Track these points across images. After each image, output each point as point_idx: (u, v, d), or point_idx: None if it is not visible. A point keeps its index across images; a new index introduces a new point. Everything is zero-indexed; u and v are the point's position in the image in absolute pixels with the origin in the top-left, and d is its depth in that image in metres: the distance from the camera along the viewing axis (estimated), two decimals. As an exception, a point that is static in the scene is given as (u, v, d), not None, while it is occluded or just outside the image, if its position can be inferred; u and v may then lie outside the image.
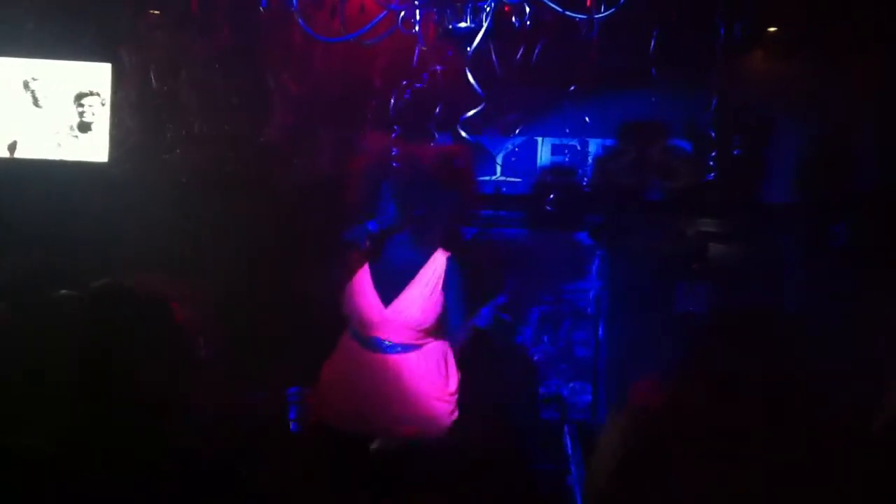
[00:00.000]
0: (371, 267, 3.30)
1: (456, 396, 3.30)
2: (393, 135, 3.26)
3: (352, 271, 3.32)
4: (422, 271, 3.28)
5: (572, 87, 3.46)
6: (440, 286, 3.27)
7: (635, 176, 4.45)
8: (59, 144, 4.04)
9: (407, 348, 3.27)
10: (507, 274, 4.72)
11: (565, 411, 4.43)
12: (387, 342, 3.26)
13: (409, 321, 3.25)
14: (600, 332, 4.56)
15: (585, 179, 4.62)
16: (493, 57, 3.18)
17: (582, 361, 4.65)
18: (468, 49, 2.27)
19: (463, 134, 2.52)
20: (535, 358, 4.64)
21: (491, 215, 4.74)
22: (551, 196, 4.30)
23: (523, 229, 4.71)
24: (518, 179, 4.70)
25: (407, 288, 3.25)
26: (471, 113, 2.47)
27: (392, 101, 3.09)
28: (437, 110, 3.18)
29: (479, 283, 3.48)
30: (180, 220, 3.93)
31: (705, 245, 4.38)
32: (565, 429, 4.10)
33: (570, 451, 4.03)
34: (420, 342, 3.29)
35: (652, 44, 3.75)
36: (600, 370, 4.52)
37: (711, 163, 4.34)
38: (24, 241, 3.67)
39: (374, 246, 3.29)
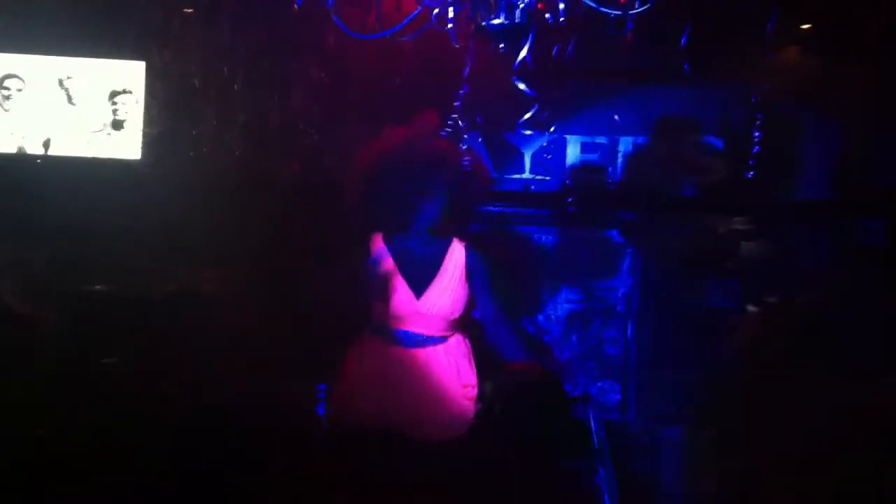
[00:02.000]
0: (396, 260, 3.31)
1: (476, 391, 3.29)
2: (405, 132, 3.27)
3: (373, 267, 3.33)
4: (445, 261, 3.30)
5: (604, 84, 3.45)
6: (463, 275, 3.30)
7: (666, 173, 4.42)
8: (93, 142, 4.07)
9: (436, 341, 3.28)
10: (536, 272, 4.71)
11: (588, 402, 4.41)
12: (417, 335, 3.27)
13: (441, 312, 3.26)
14: (630, 331, 4.53)
15: (616, 177, 4.60)
16: (527, 53, 3.17)
17: (611, 360, 4.63)
18: (501, 46, 2.27)
19: (527, 133, 2.51)
20: (564, 357, 4.63)
21: (519, 213, 4.74)
22: (575, 195, 4.30)
23: (553, 227, 4.70)
24: (547, 177, 4.69)
25: (436, 279, 3.27)
26: (528, 115, 2.48)
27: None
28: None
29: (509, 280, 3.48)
30: (212, 217, 3.95)
31: (737, 243, 4.35)
32: (593, 427, 4.09)
33: (598, 450, 4.02)
34: (447, 334, 3.32)
35: (684, 39, 3.73)
36: (631, 368, 4.50)
37: (744, 159, 4.32)
38: (58, 238, 3.72)
39: (396, 241, 3.32)
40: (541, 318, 4.77)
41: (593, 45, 3.86)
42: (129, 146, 4.09)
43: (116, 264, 3.67)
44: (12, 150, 4.04)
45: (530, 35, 2.35)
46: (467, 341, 3.40)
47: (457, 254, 3.33)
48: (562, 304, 4.75)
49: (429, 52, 3.17)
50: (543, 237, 4.75)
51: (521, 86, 2.34)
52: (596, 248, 4.64)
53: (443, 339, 3.31)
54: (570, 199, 4.52)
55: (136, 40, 4.08)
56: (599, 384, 4.60)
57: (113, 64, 4.08)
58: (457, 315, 3.29)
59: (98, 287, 3.26)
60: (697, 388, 3.82)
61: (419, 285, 3.27)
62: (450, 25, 2.36)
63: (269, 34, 3.98)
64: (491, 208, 4.75)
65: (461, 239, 3.37)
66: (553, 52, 3.25)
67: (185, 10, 4.11)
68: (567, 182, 4.63)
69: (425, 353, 3.27)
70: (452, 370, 3.28)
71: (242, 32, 4.01)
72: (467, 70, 2.83)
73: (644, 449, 4.17)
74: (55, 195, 3.80)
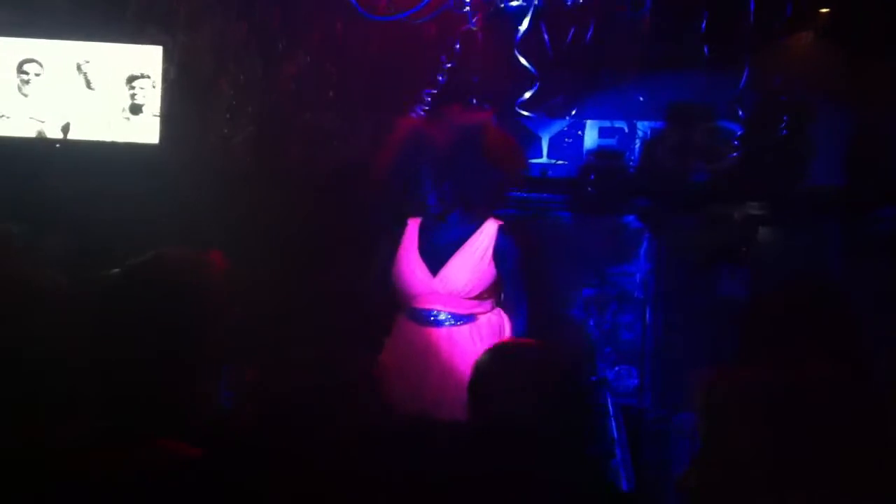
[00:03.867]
0: (420, 239, 3.30)
1: None
2: (426, 114, 3.26)
3: (399, 247, 3.32)
4: (471, 239, 3.25)
5: (621, 69, 3.43)
6: (490, 255, 3.25)
7: (684, 158, 4.40)
8: (111, 126, 4.09)
9: (459, 319, 3.25)
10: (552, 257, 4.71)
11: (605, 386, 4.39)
12: (437, 313, 3.25)
13: (456, 290, 3.22)
14: (648, 316, 4.52)
15: (633, 162, 4.58)
16: (545, 37, 3.17)
17: (627, 345, 4.62)
18: (518, 29, 2.26)
19: (525, 113, 2.50)
20: (580, 341, 4.63)
21: (536, 198, 4.73)
22: (593, 180, 4.28)
23: (569, 212, 4.69)
24: (564, 162, 4.68)
25: (454, 256, 3.23)
26: (527, 95, 2.46)
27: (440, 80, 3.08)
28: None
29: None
30: (231, 202, 3.96)
31: (753, 229, 4.33)
32: (611, 412, 4.09)
33: (615, 435, 4.02)
34: (474, 313, 3.28)
35: (703, 24, 3.72)
36: (647, 354, 4.49)
37: (760, 145, 4.30)
38: (77, 222, 3.74)
39: (426, 222, 3.30)
40: (560, 304, 4.77)
41: (611, 30, 3.85)
42: (147, 130, 4.10)
43: (135, 248, 3.67)
44: (32, 134, 4.06)
45: (540, 16, 2.33)
46: (503, 322, 3.34)
47: (486, 234, 3.27)
48: (578, 289, 4.74)
49: (442, 35, 3.16)
50: (560, 222, 4.75)
51: (523, 61, 2.32)
52: (613, 234, 4.63)
53: (469, 319, 3.27)
54: (587, 185, 4.51)
55: (152, 24, 4.09)
56: (616, 369, 4.60)
57: (130, 48, 4.09)
58: (475, 293, 3.25)
59: (115, 271, 3.26)
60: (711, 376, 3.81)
61: (437, 263, 3.24)
62: (466, 8, 2.35)
63: (286, 16, 3.98)
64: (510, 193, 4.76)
65: (496, 219, 3.32)
66: (570, 37, 3.24)
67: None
68: (583, 167, 4.62)
69: (448, 333, 3.25)
70: (477, 351, 3.24)
71: (259, 15, 4.01)
72: (480, 51, 2.82)
73: (660, 435, 4.17)
74: (74, 179, 3.82)
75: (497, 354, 1.89)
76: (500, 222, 3.30)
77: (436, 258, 3.25)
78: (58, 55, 4.06)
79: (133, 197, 3.84)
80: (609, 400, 4.13)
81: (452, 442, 1.87)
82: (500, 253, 3.25)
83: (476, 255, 3.25)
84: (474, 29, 2.55)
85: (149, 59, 4.08)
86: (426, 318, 3.27)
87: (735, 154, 4.33)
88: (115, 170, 3.93)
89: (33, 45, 4.06)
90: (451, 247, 3.25)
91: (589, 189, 4.49)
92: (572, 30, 3.22)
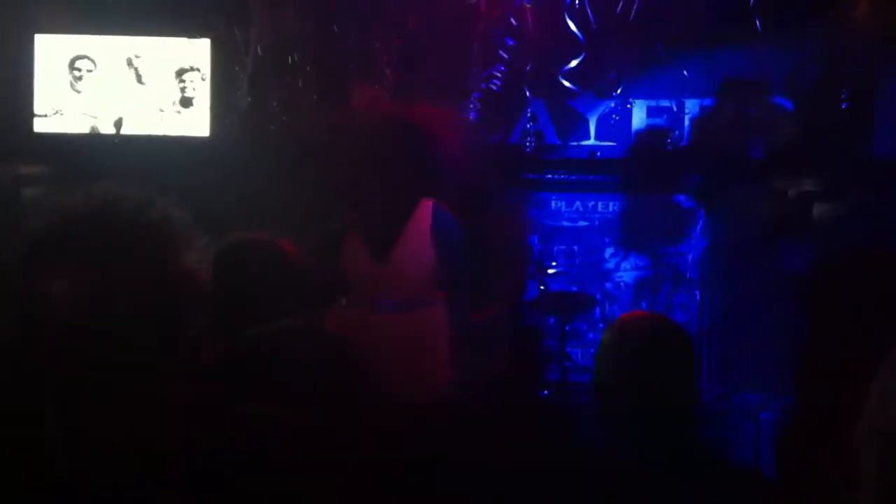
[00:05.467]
0: (361, 224, 3.12)
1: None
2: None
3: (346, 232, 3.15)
4: (409, 223, 3.06)
5: (669, 45, 3.37)
6: (430, 237, 3.05)
7: (735, 135, 4.34)
8: (163, 120, 4.13)
9: (411, 307, 3.05)
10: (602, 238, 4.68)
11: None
12: (387, 301, 3.05)
13: (404, 276, 3.04)
14: (704, 295, 4.47)
15: (683, 141, 4.53)
16: (589, 11, 3.12)
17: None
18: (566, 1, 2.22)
19: (566, 84, 2.45)
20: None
21: (585, 180, 4.70)
22: (642, 159, 4.22)
23: (620, 193, 4.66)
24: (613, 143, 4.64)
25: (397, 241, 3.04)
26: (573, 63, 2.41)
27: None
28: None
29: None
30: (281, 193, 3.97)
31: (810, 204, 4.26)
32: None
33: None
34: (426, 299, 3.07)
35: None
36: (702, 336, 4.44)
37: (815, 119, 4.22)
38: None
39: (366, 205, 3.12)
40: (609, 284, 4.74)
41: (660, 7, 3.79)
42: (197, 123, 4.14)
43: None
44: (85, 130, 4.11)
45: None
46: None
47: (423, 213, 3.07)
48: (630, 271, 4.71)
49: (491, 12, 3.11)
50: (610, 204, 4.72)
51: (572, 26, 2.26)
52: (664, 214, 4.59)
53: (421, 305, 3.06)
54: (637, 165, 4.48)
55: (200, 17, 4.11)
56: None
57: (179, 42, 4.12)
58: (424, 277, 3.05)
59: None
60: (774, 357, 3.76)
61: (381, 249, 3.05)
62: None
63: (334, 7, 3.98)
64: (554, 176, 4.74)
65: (430, 197, 3.10)
66: (619, 9, 3.19)
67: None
68: (632, 147, 4.58)
69: (399, 320, 3.03)
70: (432, 338, 3.05)
71: (306, 6, 4.02)
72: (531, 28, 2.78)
73: (719, 416, 4.12)
74: (127, 173, 3.85)
75: (623, 327, 1.87)
76: (432, 200, 3.09)
77: (379, 243, 3.06)
78: (109, 51, 4.11)
79: (185, 189, 3.86)
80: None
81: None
82: (436, 232, 3.05)
83: (418, 239, 3.05)
84: (528, 6, 2.52)
85: (197, 52, 4.12)
86: (375, 306, 3.06)
87: (789, 129, 4.27)
88: (168, 163, 3.96)
89: (84, 41, 4.11)
90: (391, 230, 3.06)
91: (639, 169, 4.45)
92: (620, 6, 3.16)
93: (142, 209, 1.26)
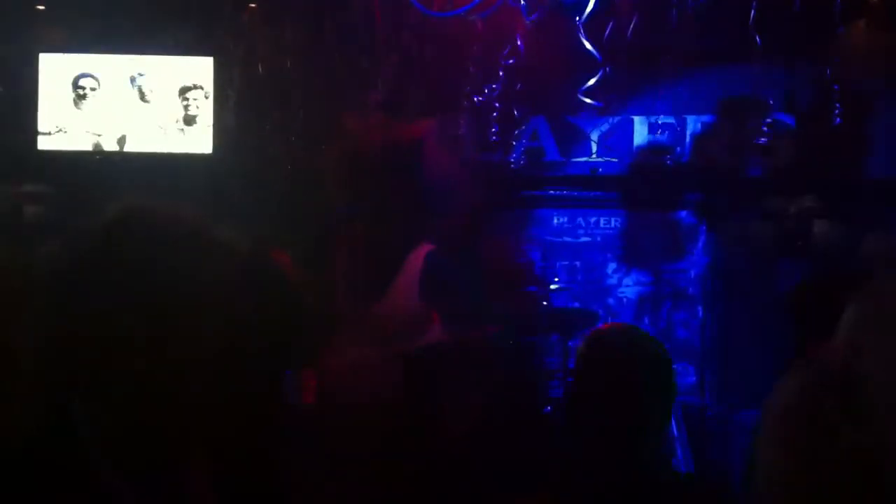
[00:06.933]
0: (351, 259, 2.86)
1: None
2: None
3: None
4: (400, 273, 2.72)
5: (670, 63, 3.39)
6: (418, 289, 2.69)
7: (738, 152, 4.35)
8: (166, 138, 4.15)
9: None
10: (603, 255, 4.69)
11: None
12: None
13: (387, 321, 2.70)
14: (704, 312, 4.48)
15: (684, 158, 4.54)
16: (582, 33, 3.12)
17: (683, 342, 4.58)
18: (578, 20, 2.26)
19: (587, 101, 2.47)
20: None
21: (587, 196, 4.72)
22: (644, 176, 4.23)
23: (621, 210, 4.66)
24: (615, 159, 4.65)
25: (388, 291, 2.72)
26: (592, 81, 2.44)
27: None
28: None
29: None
30: (284, 210, 3.98)
31: (809, 223, 4.27)
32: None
33: (675, 433, 3.98)
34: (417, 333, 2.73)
35: (752, 14, 3.67)
36: (704, 351, 4.45)
37: (814, 138, 4.24)
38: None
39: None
40: (611, 300, 4.74)
41: (660, 24, 3.81)
42: (200, 141, 4.15)
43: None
44: (89, 147, 4.12)
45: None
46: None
47: (414, 265, 2.70)
48: (632, 287, 4.71)
49: (499, 31, 3.13)
50: (612, 220, 4.72)
51: (587, 44, 2.29)
52: (666, 230, 4.59)
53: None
54: (638, 181, 4.49)
55: (203, 36, 4.14)
56: (673, 366, 4.55)
57: (182, 60, 4.14)
58: (409, 322, 2.70)
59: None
60: (776, 373, 3.75)
61: (370, 295, 2.74)
62: (522, 1, 2.35)
63: (335, 26, 4.00)
64: (555, 192, 4.75)
65: (430, 242, 2.75)
66: (619, 31, 3.21)
67: (251, 4, 4.15)
68: (634, 163, 4.59)
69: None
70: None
71: (309, 25, 4.04)
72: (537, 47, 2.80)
73: (720, 433, 4.12)
74: (131, 191, 3.86)
75: (594, 339, 1.87)
76: (430, 248, 2.73)
77: (368, 288, 2.74)
78: (112, 69, 4.13)
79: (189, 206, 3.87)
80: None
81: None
82: (427, 287, 2.68)
83: (408, 290, 2.70)
84: (531, 24, 2.54)
85: (200, 70, 4.14)
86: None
87: (790, 147, 4.28)
88: (171, 180, 3.98)
89: (88, 59, 4.13)
90: (382, 275, 2.74)
91: (640, 186, 4.47)
92: (622, 26, 3.18)
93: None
